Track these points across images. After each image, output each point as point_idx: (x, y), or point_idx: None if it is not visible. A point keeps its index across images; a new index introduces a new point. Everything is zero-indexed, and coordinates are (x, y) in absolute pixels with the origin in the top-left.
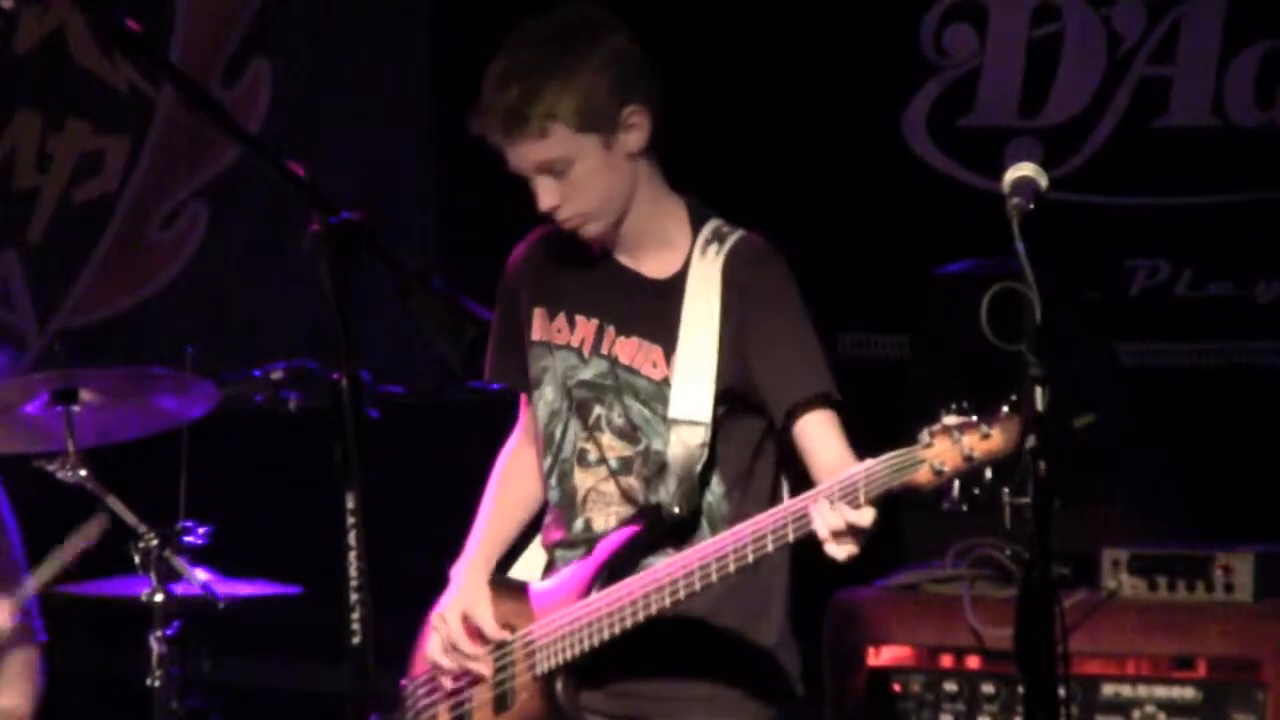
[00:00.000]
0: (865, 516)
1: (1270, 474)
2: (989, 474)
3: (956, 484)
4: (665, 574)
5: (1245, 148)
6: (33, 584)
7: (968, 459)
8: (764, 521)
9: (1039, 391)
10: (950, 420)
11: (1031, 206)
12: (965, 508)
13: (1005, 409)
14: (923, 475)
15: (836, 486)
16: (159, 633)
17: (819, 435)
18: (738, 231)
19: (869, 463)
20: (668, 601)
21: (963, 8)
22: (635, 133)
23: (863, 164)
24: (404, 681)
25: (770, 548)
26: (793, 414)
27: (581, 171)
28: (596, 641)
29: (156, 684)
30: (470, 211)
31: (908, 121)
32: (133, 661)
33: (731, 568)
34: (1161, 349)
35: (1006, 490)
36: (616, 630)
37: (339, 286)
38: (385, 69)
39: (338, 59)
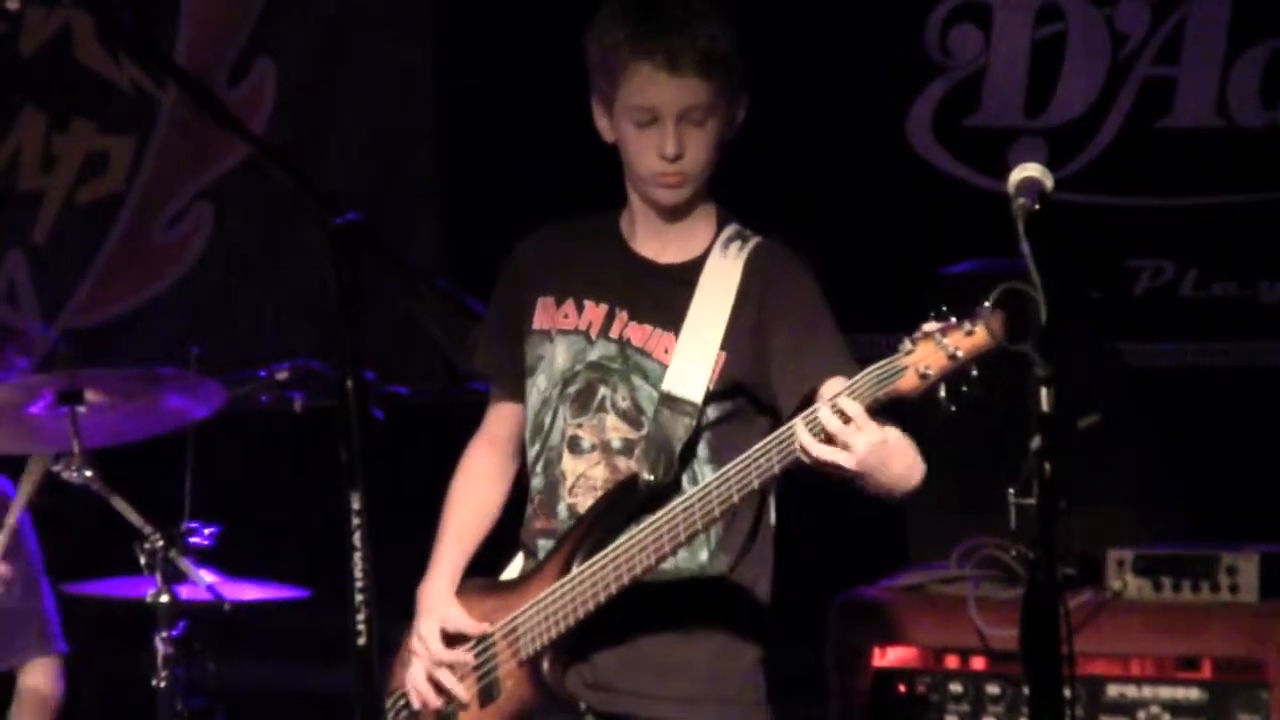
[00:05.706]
0: (854, 408)
1: (1275, 474)
2: (975, 371)
3: (944, 388)
4: (649, 529)
5: (1249, 148)
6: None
7: (952, 358)
8: (746, 456)
9: (1044, 392)
10: (930, 325)
11: (1036, 207)
12: (954, 408)
13: (987, 304)
14: (908, 382)
15: (818, 404)
16: (164, 633)
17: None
18: (759, 235)
19: (852, 378)
20: (652, 557)
21: (967, 8)
22: (738, 119)
23: (867, 164)
24: (386, 696)
25: (755, 482)
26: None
27: (711, 130)
28: (582, 614)
29: (161, 684)
30: (474, 212)
31: (912, 122)
32: (138, 662)
33: (716, 510)
34: (1166, 349)
35: (1012, 491)
36: (602, 599)
37: (345, 287)
38: (389, 69)
39: (342, 59)
